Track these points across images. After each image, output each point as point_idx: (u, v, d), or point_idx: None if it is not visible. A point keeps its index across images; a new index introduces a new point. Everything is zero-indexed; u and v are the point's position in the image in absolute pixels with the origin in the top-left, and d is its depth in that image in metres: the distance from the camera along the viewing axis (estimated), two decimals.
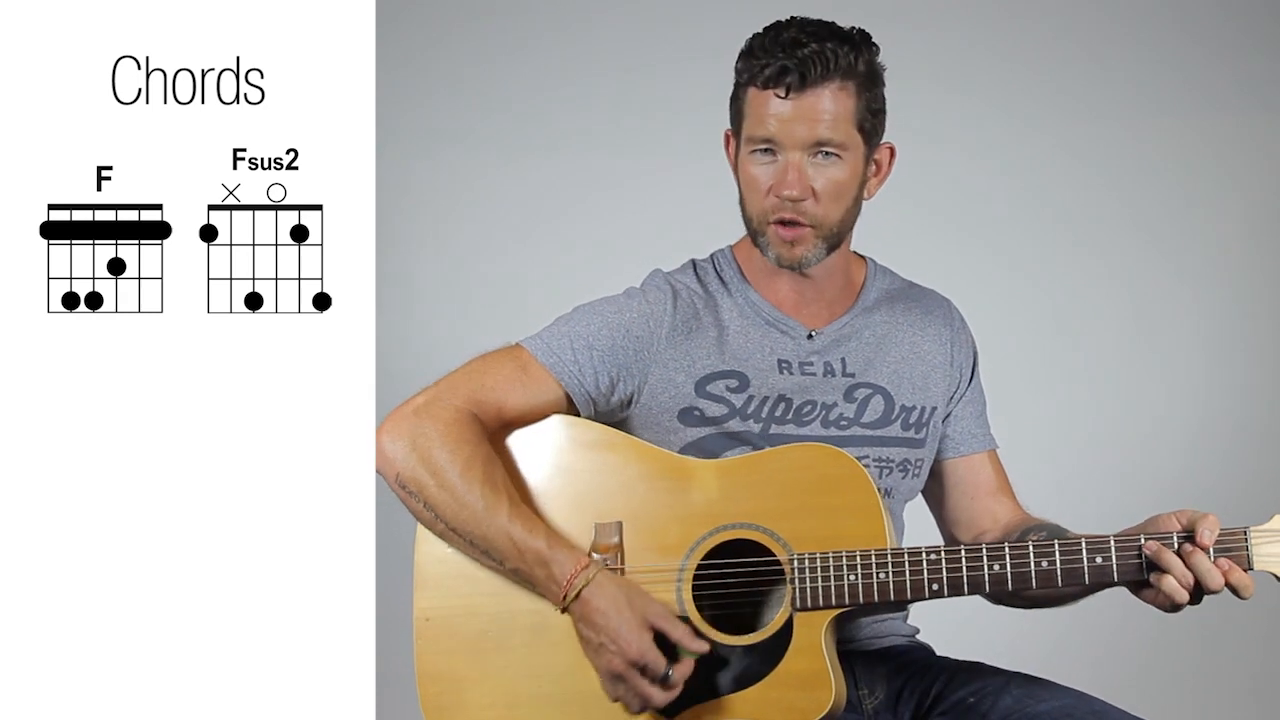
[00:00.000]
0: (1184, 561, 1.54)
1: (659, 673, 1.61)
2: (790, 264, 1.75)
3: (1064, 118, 3.13)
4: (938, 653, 1.84)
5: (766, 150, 1.72)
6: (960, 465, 1.86)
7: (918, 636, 1.86)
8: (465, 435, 1.68)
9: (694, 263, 1.87)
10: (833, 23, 1.73)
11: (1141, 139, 3.14)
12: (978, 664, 1.77)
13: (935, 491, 1.89)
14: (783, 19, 1.74)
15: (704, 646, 1.63)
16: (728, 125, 1.80)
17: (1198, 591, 1.56)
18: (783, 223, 1.73)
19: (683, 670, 1.62)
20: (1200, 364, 3.13)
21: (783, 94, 1.69)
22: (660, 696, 1.61)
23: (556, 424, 1.75)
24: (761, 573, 1.65)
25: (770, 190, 1.72)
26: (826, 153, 1.71)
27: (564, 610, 1.65)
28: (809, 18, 1.73)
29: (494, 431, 1.73)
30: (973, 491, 1.86)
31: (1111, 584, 1.59)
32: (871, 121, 1.74)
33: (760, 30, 1.74)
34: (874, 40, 1.74)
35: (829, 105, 1.70)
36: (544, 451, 1.73)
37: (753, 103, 1.72)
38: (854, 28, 1.74)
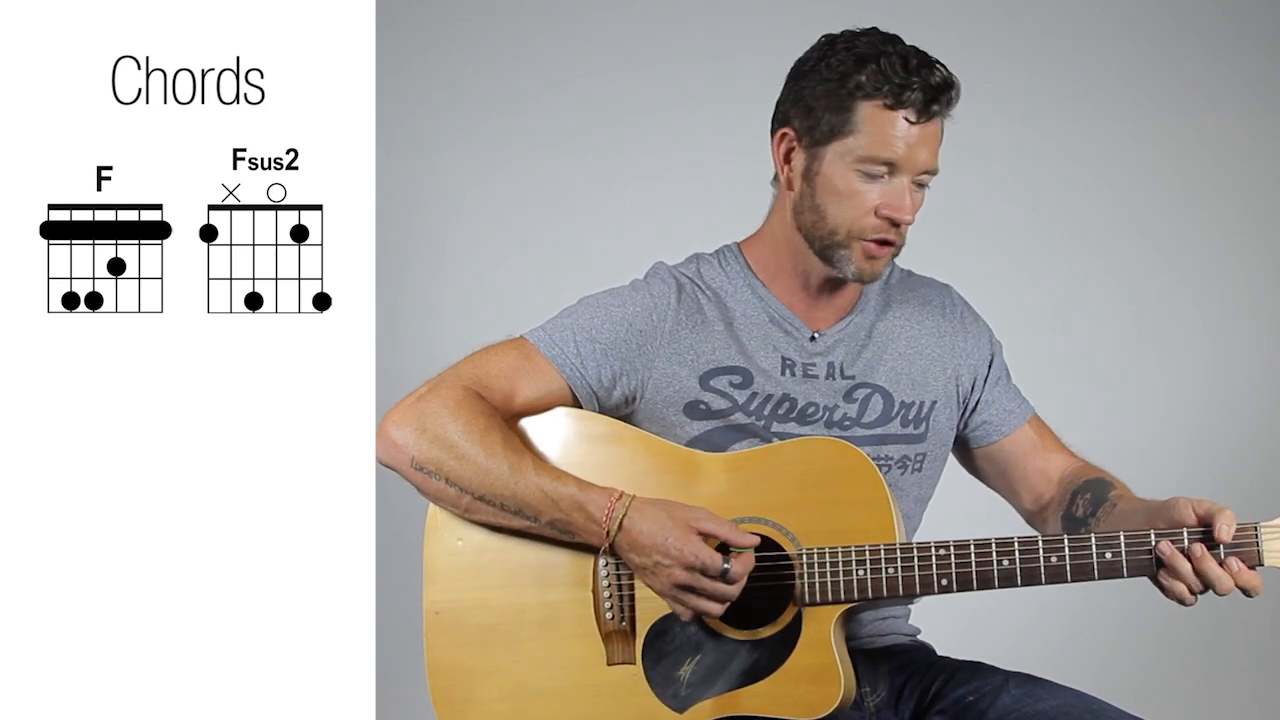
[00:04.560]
0: (1194, 565, 1.55)
1: (718, 568, 1.60)
2: (870, 279, 1.76)
3: (1064, 118, 3.13)
4: (939, 653, 1.85)
5: (877, 168, 1.70)
6: (1006, 444, 1.87)
7: (919, 637, 1.86)
8: (476, 408, 1.69)
9: (698, 256, 1.87)
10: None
11: (1141, 139, 3.14)
12: (978, 663, 1.77)
13: (992, 473, 1.90)
14: (883, 30, 1.72)
15: (753, 540, 1.63)
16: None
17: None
18: (879, 242, 1.73)
19: (742, 563, 1.61)
20: (1201, 363, 3.13)
21: (913, 119, 1.68)
22: (729, 590, 1.61)
23: (564, 417, 1.75)
24: (770, 567, 1.65)
25: (876, 210, 1.71)
26: (921, 181, 1.72)
27: (609, 547, 1.65)
28: (903, 40, 1.72)
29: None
30: (1022, 461, 1.87)
31: (1122, 576, 1.60)
32: None
33: (873, 40, 1.71)
34: None
35: (937, 134, 1.72)
36: (552, 445, 1.73)
37: (875, 119, 1.69)
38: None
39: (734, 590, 1.62)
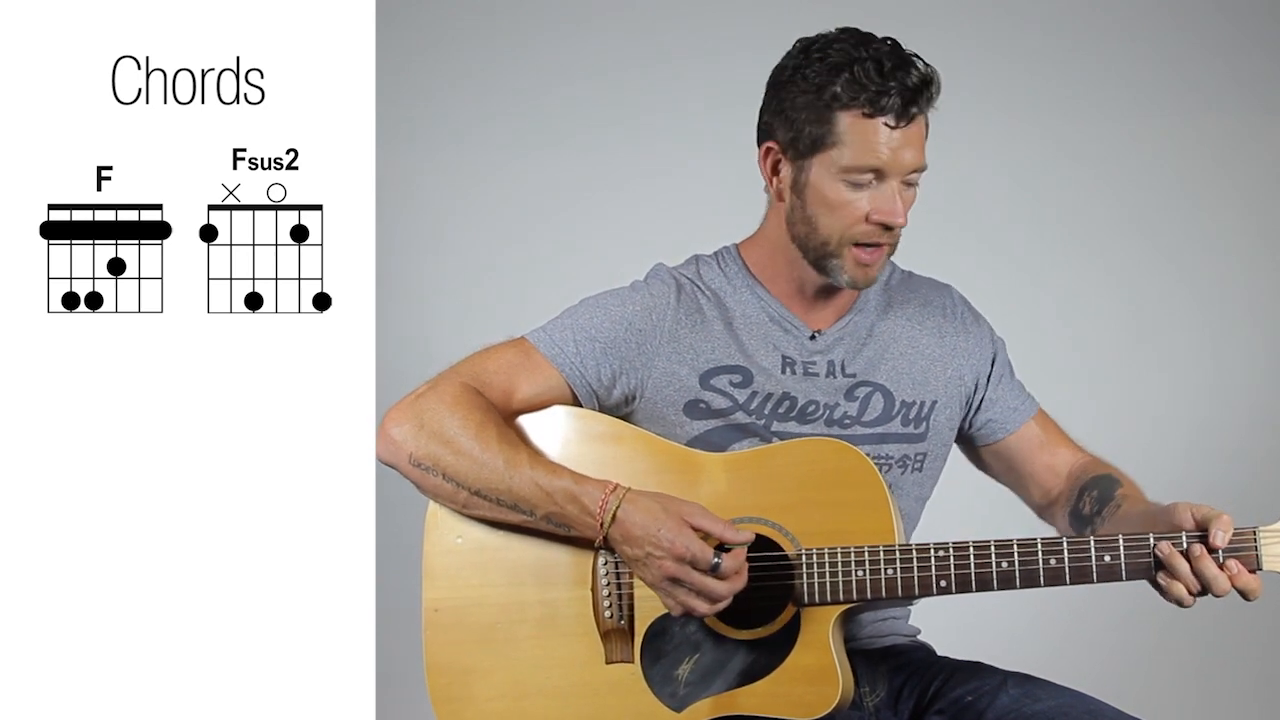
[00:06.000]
0: (1191, 566, 1.55)
1: (709, 561, 1.60)
2: (864, 285, 1.75)
3: (1064, 118, 3.13)
4: (939, 653, 1.85)
5: (863, 176, 1.69)
6: (1013, 440, 1.88)
7: (919, 638, 1.87)
8: (473, 403, 1.69)
9: (698, 258, 1.87)
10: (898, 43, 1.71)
11: (1141, 139, 3.13)
12: (977, 663, 1.77)
13: (1000, 470, 1.90)
14: (858, 31, 1.70)
15: (749, 536, 1.63)
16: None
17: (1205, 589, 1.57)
18: (871, 245, 1.72)
19: (733, 559, 1.61)
20: (1201, 364, 3.13)
21: (893, 123, 1.67)
22: (720, 587, 1.61)
23: (564, 416, 1.75)
24: (769, 567, 1.65)
25: (868, 217, 1.70)
26: (910, 180, 1.72)
27: (603, 539, 1.64)
28: (883, 38, 1.70)
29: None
30: (1029, 457, 1.87)
31: (1121, 579, 1.60)
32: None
33: (845, 46, 1.68)
34: None
35: (920, 132, 1.70)
36: (552, 444, 1.73)
37: (855, 129, 1.68)
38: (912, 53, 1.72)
39: (724, 589, 1.61)
